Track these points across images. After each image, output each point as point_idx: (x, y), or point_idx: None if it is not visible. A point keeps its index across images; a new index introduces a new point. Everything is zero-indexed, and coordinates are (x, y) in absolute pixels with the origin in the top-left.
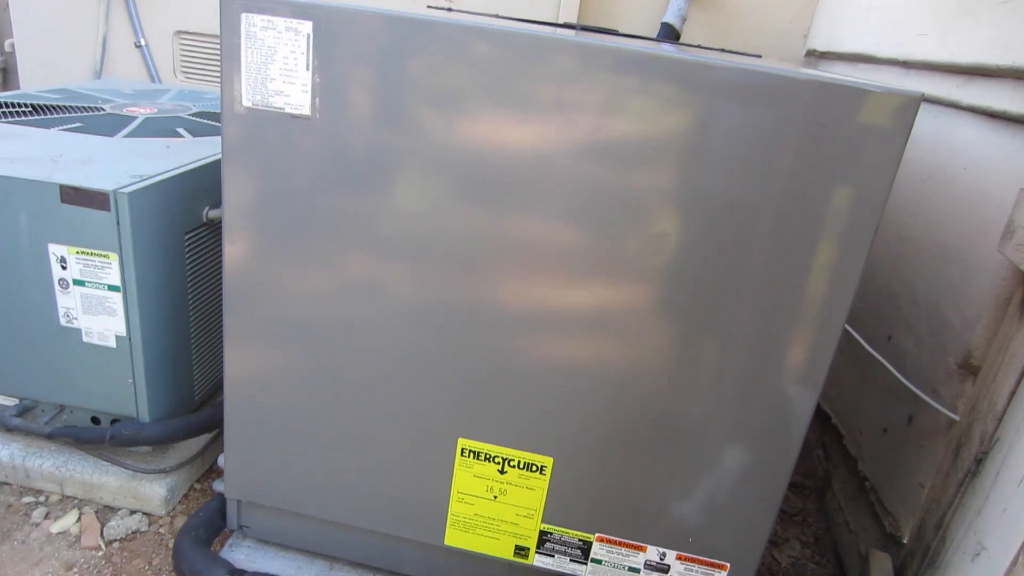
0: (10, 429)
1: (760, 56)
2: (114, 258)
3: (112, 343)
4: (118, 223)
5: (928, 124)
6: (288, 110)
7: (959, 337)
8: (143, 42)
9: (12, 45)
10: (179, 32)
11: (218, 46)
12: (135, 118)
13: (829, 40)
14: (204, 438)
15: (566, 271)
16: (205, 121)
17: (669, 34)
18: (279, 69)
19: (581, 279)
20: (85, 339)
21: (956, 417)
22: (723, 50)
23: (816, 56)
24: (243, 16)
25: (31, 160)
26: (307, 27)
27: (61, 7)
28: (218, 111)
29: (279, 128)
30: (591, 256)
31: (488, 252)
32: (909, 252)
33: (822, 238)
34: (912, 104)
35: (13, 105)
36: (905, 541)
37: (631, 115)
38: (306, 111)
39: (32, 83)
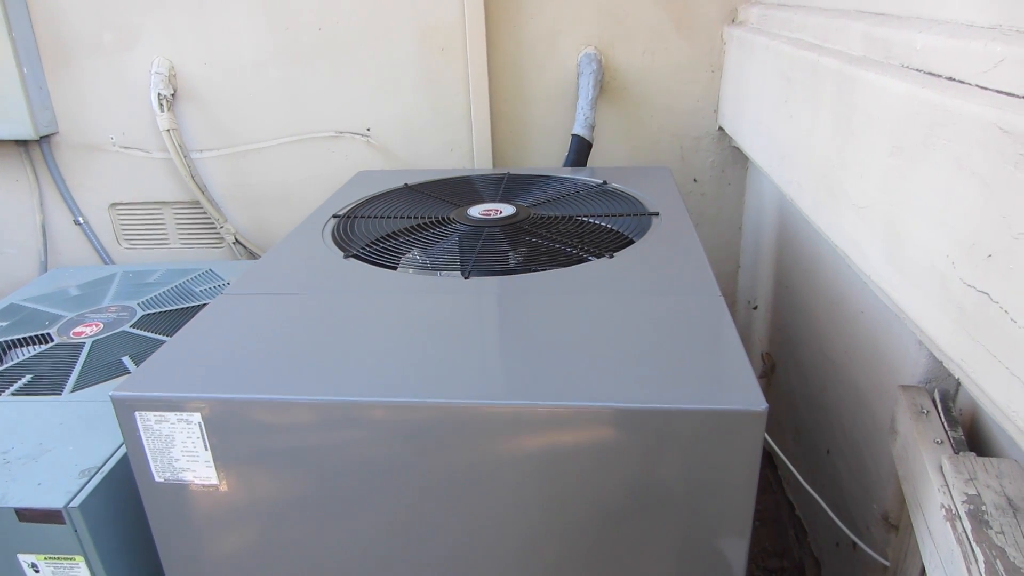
0: None
1: (669, 169)
2: (80, 559)
3: None
4: (76, 531)
5: (826, 243)
6: (198, 482)
7: (877, 489)
8: (82, 220)
9: None
10: (114, 204)
11: (153, 211)
12: (82, 347)
13: (733, 129)
14: None
15: None
16: (147, 334)
17: (580, 146)
18: (181, 451)
19: None
20: None
21: (886, 563)
22: (613, 193)
23: (727, 134)
24: (136, 415)
25: None
26: (196, 417)
27: None
28: (161, 308)
29: (194, 497)
30: None
31: None
32: (832, 375)
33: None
34: (759, 418)
35: None
36: None
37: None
38: (213, 481)
39: None
